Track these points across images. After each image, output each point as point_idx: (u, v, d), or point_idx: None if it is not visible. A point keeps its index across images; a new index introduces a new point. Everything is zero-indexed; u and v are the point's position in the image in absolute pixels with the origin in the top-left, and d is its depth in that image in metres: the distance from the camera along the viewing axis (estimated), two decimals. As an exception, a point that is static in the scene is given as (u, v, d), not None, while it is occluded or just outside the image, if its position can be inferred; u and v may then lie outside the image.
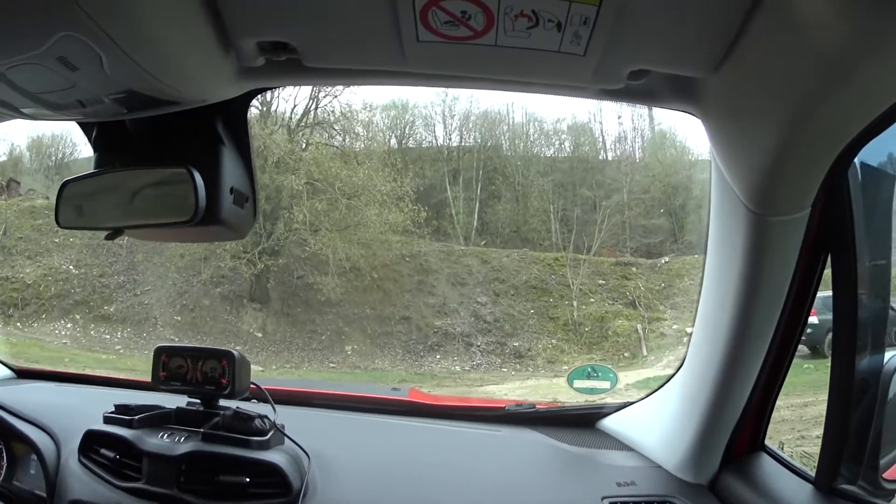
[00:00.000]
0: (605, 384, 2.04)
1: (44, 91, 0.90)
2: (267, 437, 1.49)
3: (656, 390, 1.73)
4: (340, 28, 0.91)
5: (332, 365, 13.57)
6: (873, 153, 1.07)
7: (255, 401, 1.81)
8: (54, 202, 1.18)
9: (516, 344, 14.31)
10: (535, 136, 18.75)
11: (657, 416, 1.66)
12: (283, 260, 14.82)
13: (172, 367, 1.63)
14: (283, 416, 1.65)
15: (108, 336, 13.32)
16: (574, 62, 0.96)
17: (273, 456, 1.46)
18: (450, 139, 17.93)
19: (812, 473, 1.27)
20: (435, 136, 18.13)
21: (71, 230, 1.59)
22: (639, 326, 14.28)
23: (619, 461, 1.64)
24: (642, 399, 1.80)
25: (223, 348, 1.62)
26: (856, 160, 1.05)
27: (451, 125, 18.10)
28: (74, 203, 1.19)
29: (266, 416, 1.55)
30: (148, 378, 1.80)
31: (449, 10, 0.84)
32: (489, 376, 13.19)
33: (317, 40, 0.94)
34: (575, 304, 14.77)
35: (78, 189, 1.19)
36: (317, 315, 14.64)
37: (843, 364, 1.11)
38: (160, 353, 1.66)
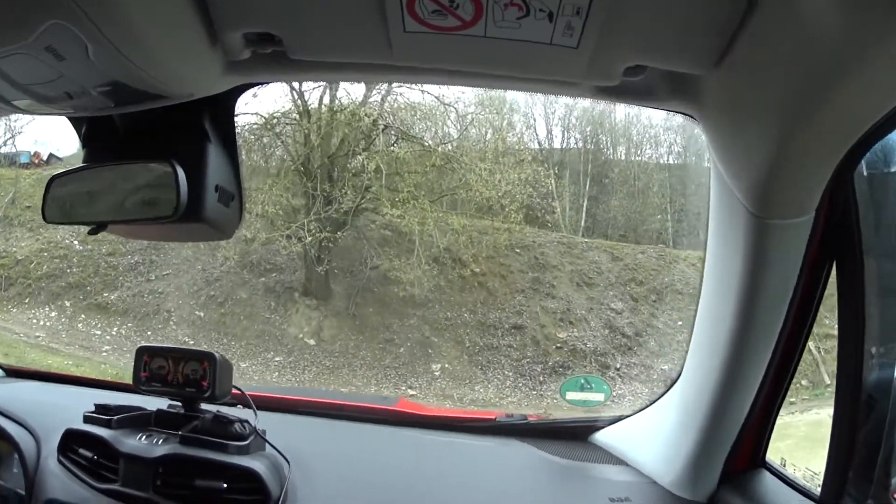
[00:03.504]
0: (599, 396, 1.78)
1: (33, 82, 0.86)
2: (246, 442, 1.36)
3: (652, 403, 1.56)
4: (326, 17, 0.82)
5: (410, 391, 9.91)
6: (880, 155, 1.04)
7: (239, 406, 1.64)
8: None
9: (665, 367, 10.75)
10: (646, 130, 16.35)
11: (653, 429, 1.50)
12: (348, 236, 11.12)
13: (154, 367, 1.48)
14: (266, 421, 1.51)
15: (98, 332, 10.21)
16: (567, 55, 0.85)
17: (252, 462, 1.33)
18: (551, 137, 15.82)
19: (817, 492, 1.19)
20: (536, 133, 15.77)
21: (57, 225, 1.43)
22: (811, 344, 9.70)
23: (613, 476, 1.51)
24: (637, 412, 1.62)
25: (205, 350, 1.45)
26: (862, 162, 0.97)
27: (552, 121, 15.83)
28: (61, 198, 1.12)
29: (247, 421, 1.40)
30: None
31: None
32: None
33: (303, 31, 0.85)
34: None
35: (65, 184, 1.11)
36: (394, 319, 10.89)
37: (849, 376, 1.02)
38: (142, 352, 1.50)
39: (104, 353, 9.57)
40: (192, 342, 10.07)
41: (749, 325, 1.08)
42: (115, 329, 10.18)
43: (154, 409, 1.51)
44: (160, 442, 1.37)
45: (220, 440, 1.34)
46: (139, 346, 1.51)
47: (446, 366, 10.15)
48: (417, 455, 1.61)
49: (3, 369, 2.06)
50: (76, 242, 11.39)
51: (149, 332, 10.17)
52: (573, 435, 1.66)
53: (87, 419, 1.45)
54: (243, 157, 11.18)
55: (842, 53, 0.71)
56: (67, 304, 10.47)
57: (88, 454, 1.41)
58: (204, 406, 1.47)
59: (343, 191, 10.07)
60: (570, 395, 2.02)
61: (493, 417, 1.73)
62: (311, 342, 10.42)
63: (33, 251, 11.38)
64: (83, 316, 10.26)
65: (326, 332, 10.52)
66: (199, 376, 1.42)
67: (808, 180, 0.93)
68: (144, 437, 1.40)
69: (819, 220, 0.99)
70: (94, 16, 0.68)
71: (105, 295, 10.67)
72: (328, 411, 1.79)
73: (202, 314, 10.59)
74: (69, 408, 1.58)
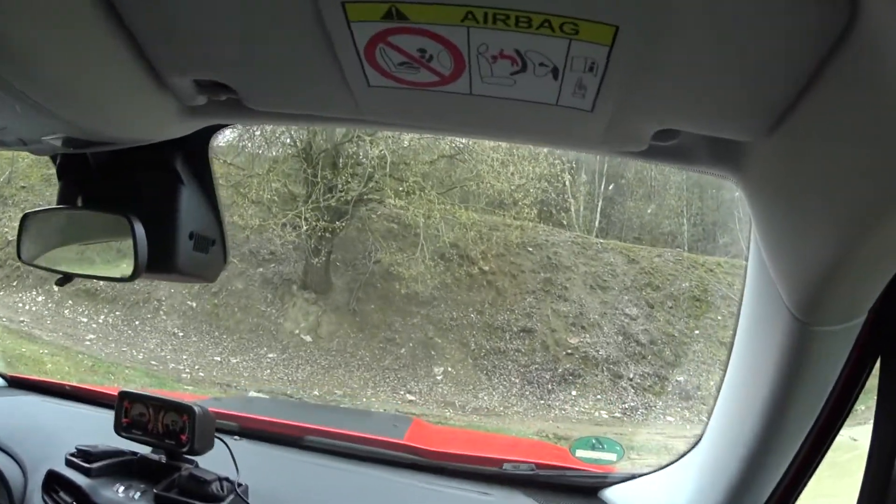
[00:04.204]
0: (611, 456, 1.59)
1: None
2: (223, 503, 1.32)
3: (669, 464, 1.46)
4: (277, 71, 0.70)
5: (409, 397, 9.09)
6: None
7: (236, 437, 1.63)
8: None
9: (681, 379, 10.07)
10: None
11: (667, 494, 1.40)
12: (352, 227, 10.36)
13: (134, 414, 1.43)
14: (255, 461, 1.52)
15: (84, 319, 9.43)
16: (579, 118, 0.68)
17: None
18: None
19: None
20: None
21: (32, 268, 1.09)
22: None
23: None
24: (652, 472, 1.52)
25: (186, 403, 1.38)
26: None
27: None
28: (33, 238, 1.05)
29: (226, 479, 1.35)
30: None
31: (401, 49, 0.59)
32: (647, 431, 8.94)
33: (254, 83, 0.74)
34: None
35: (38, 223, 1.06)
36: (397, 317, 10.10)
37: (878, 477, 0.88)
38: (122, 397, 1.45)
39: (87, 343, 8.88)
40: (181, 334, 9.48)
41: (777, 422, 0.95)
42: (103, 317, 9.47)
43: (137, 453, 1.45)
44: (136, 496, 1.33)
45: (194, 501, 1.29)
46: (121, 391, 1.45)
47: (449, 369, 9.38)
48: None
49: (6, 379, 1.99)
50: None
51: (136, 322, 9.52)
52: (582, 490, 1.58)
53: (68, 462, 1.40)
54: (247, 144, 10.62)
55: None
56: (56, 288, 9.60)
57: (68, 499, 1.37)
58: (187, 456, 1.40)
59: (345, 179, 9.32)
60: (581, 453, 1.69)
61: (501, 463, 1.61)
62: (308, 339, 9.70)
63: (25, 232, 10.57)
64: (70, 302, 9.53)
65: (324, 328, 9.79)
66: (178, 428, 1.37)
67: (868, 284, 0.75)
68: (122, 489, 1.35)
69: (869, 319, 0.82)
70: (11, 78, 0.62)
71: (94, 281, 9.74)
72: (328, 447, 1.68)
73: (194, 304, 9.85)
74: (63, 433, 1.56)
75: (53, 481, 1.42)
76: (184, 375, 8.61)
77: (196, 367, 8.92)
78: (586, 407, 9.12)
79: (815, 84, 0.56)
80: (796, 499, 1.10)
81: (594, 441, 1.65)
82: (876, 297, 0.79)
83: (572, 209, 13.03)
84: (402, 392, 8.90)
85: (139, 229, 0.88)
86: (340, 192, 9.32)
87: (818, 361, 0.88)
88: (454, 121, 0.78)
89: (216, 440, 1.42)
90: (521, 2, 0.51)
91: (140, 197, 0.93)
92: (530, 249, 11.10)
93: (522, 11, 0.51)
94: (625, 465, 1.66)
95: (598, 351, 9.84)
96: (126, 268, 0.91)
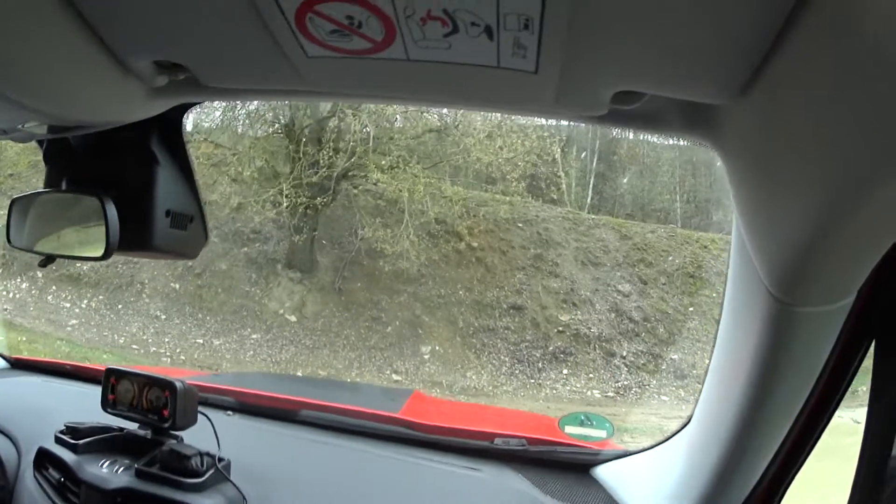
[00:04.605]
0: (601, 433, 1.55)
1: None
2: (202, 479, 1.30)
3: (660, 443, 1.42)
4: (221, 47, 0.69)
5: (395, 377, 8.76)
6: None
7: (228, 413, 1.68)
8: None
9: (675, 357, 9.68)
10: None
11: (657, 474, 1.36)
12: (338, 204, 10.00)
13: (121, 390, 1.45)
14: (244, 434, 1.58)
15: (67, 305, 9.08)
16: (524, 81, 0.63)
17: (202, 501, 1.27)
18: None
19: None
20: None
21: (21, 251, 1.11)
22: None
23: None
24: (643, 451, 1.47)
25: (168, 378, 1.38)
26: None
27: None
28: (21, 222, 1.07)
29: (207, 454, 1.33)
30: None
31: (330, 17, 0.57)
32: (642, 411, 8.57)
33: (204, 61, 0.73)
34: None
35: (25, 207, 1.06)
36: (384, 295, 9.70)
37: (874, 458, 0.82)
38: (109, 374, 1.47)
39: (69, 328, 8.56)
40: (164, 316, 9.07)
41: (761, 406, 0.90)
42: (86, 302, 9.07)
43: (125, 429, 1.46)
44: (119, 471, 1.34)
45: (174, 477, 1.28)
46: (108, 367, 1.47)
47: (437, 348, 9.05)
48: (402, 485, 1.49)
49: (9, 361, 2.04)
50: (58, 212, 10.40)
51: (119, 306, 9.11)
52: (573, 467, 1.54)
53: (57, 440, 1.43)
54: (234, 123, 10.24)
55: None
56: (39, 275, 9.36)
57: (56, 475, 1.40)
58: (172, 431, 1.40)
59: (329, 154, 8.94)
60: (569, 429, 1.63)
61: (492, 437, 1.58)
62: (293, 319, 9.33)
63: (11, 220, 10.24)
64: (54, 288, 9.11)
65: (309, 307, 9.43)
66: (161, 404, 1.38)
67: (854, 262, 0.66)
68: (106, 464, 1.36)
69: (860, 299, 0.76)
70: None
71: (78, 265, 9.36)
72: (322, 421, 1.69)
73: (177, 286, 9.43)
74: (58, 412, 1.58)
75: (43, 458, 1.44)
76: (164, 359, 8.31)
77: (178, 350, 8.60)
78: (578, 386, 8.82)
79: (788, 34, 0.50)
80: (789, 483, 1.06)
81: (583, 417, 1.61)
82: (864, 277, 0.72)
83: (563, 185, 12.64)
84: (387, 372, 8.58)
85: (111, 209, 0.90)
86: (323, 167, 8.94)
87: (802, 344, 0.81)
88: (399, 88, 0.75)
89: (201, 416, 1.42)
90: None
91: (118, 177, 0.94)
92: (520, 225, 10.77)
93: None
94: (619, 446, 1.59)
95: (590, 328, 9.54)
96: (93, 249, 0.93)
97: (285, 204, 8.92)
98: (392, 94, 0.82)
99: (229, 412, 1.68)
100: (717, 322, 1.03)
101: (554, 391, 8.66)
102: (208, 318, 9.21)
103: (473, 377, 8.71)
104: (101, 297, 9.14)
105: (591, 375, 9.01)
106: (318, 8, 0.55)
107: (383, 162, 9.02)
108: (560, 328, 9.46)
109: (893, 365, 0.79)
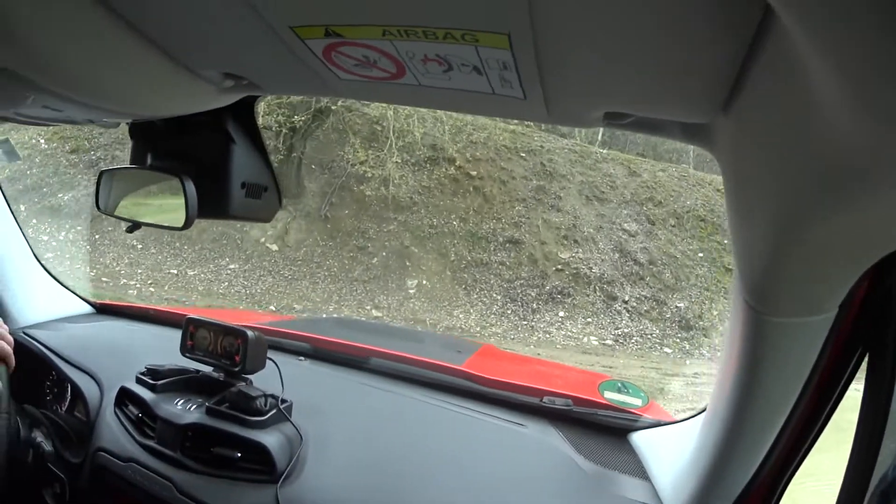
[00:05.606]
0: (636, 401, 1.59)
1: (53, 119, 0.93)
2: (264, 417, 1.42)
3: (690, 417, 1.43)
4: (272, 68, 0.79)
5: (375, 313, 7.98)
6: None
7: (301, 358, 1.81)
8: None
9: (681, 305, 8.93)
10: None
11: (679, 448, 1.34)
12: (329, 127, 9.20)
13: (198, 337, 1.57)
14: (322, 379, 1.70)
15: (45, 237, 8.54)
16: (518, 104, 0.70)
17: (264, 437, 1.37)
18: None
19: None
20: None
21: (108, 216, 1.22)
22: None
23: (628, 492, 1.37)
24: (675, 423, 1.49)
25: (240, 327, 1.49)
26: None
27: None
28: (108, 192, 1.20)
29: (272, 396, 1.45)
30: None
31: (350, 55, 0.66)
32: (641, 364, 7.76)
33: (260, 76, 0.83)
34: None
35: (111, 179, 1.19)
36: (372, 223, 8.94)
37: (860, 468, 0.81)
38: (188, 323, 1.59)
39: (43, 262, 7.66)
40: (140, 246, 8.50)
41: (745, 410, 0.91)
42: (64, 233, 8.45)
43: (200, 371, 1.59)
44: (192, 409, 1.45)
45: (240, 414, 1.39)
46: (188, 317, 1.57)
47: (424, 282, 8.28)
48: (451, 435, 1.52)
49: (95, 306, 2.13)
50: (42, 141, 9.81)
51: (97, 236, 8.53)
52: (613, 431, 1.55)
53: (138, 380, 1.55)
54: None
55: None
56: (22, 208, 8.76)
57: (135, 411, 1.51)
58: (243, 375, 1.51)
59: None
60: (608, 395, 1.59)
61: (541, 395, 1.61)
62: (274, 248, 8.63)
63: (-4, 152, 9.41)
64: (34, 221, 8.46)
65: (292, 235, 8.70)
66: (234, 350, 1.48)
67: (833, 277, 0.67)
68: (181, 402, 1.48)
69: (848, 313, 0.75)
70: (71, 94, 0.72)
71: (60, 196, 8.91)
72: (388, 369, 1.75)
73: (158, 216, 8.66)
74: (139, 354, 1.71)
75: (124, 396, 1.55)
76: (131, 292, 7.57)
77: (149, 281, 7.93)
78: (574, 331, 8.03)
79: (757, 53, 0.52)
80: (783, 489, 1.05)
81: (619, 385, 1.63)
82: (846, 292, 0.70)
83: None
84: (368, 307, 7.83)
85: (189, 187, 1.00)
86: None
87: (778, 352, 0.80)
88: (417, 101, 0.84)
89: (271, 361, 1.50)
90: (425, 18, 0.56)
91: (198, 155, 1.04)
92: (523, 155, 9.92)
93: (427, 27, 0.56)
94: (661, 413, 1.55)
95: (591, 268, 8.76)
96: (175, 220, 1.02)
97: (274, 127, 8.12)
98: (414, 104, 0.88)
99: (301, 358, 1.79)
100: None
101: (547, 335, 7.89)
102: (186, 247, 8.63)
103: (461, 316, 7.97)
104: (79, 227, 8.52)
105: (589, 320, 8.25)
106: (339, 49, 0.64)
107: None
108: (559, 266, 8.68)
109: (882, 376, 0.77)
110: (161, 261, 8.37)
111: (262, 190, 1.10)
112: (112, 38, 0.66)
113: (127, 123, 1.08)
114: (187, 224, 1.00)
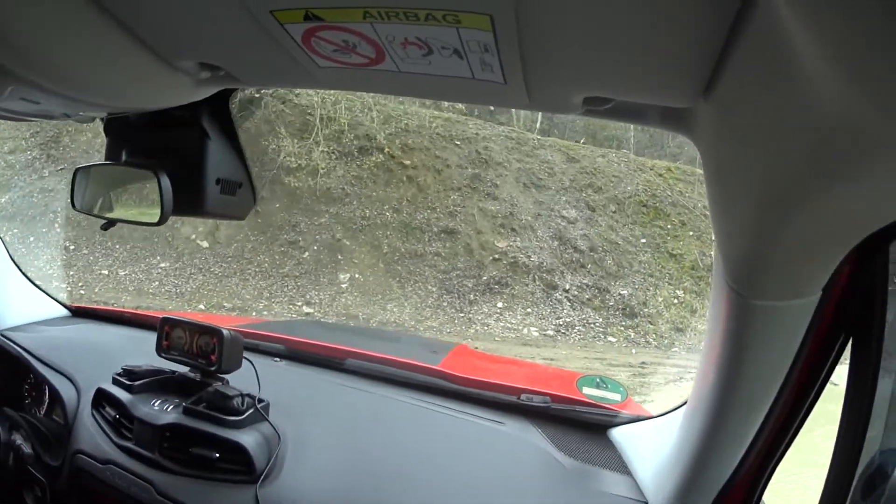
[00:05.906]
0: (616, 396, 1.59)
1: (28, 113, 0.90)
2: (242, 416, 1.41)
3: (669, 412, 1.43)
4: (249, 56, 0.78)
5: (307, 309, 7.77)
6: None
7: (276, 360, 1.80)
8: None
9: (625, 292, 8.85)
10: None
11: (659, 442, 1.35)
12: (259, 117, 8.80)
13: (174, 337, 1.56)
14: (297, 379, 1.69)
15: None
16: (498, 89, 0.70)
17: (241, 436, 1.37)
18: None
19: None
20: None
21: (83, 214, 1.21)
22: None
23: (611, 487, 1.37)
24: (655, 417, 1.50)
25: (216, 326, 1.48)
26: None
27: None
28: (83, 189, 1.18)
29: (249, 395, 1.44)
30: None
31: (329, 40, 0.66)
32: (585, 355, 7.52)
33: (237, 65, 0.82)
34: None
35: (86, 176, 1.18)
36: (303, 217, 8.68)
37: (847, 453, 0.84)
38: (164, 323, 1.58)
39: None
40: (73, 247, 8.18)
41: (729, 396, 0.90)
42: None
43: (176, 372, 1.58)
44: (169, 409, 1.44)
45: (217, 414, 1.39)
46: (164, 316, 1.56)
47: (357, 276, 8.07)
48: (430, 433, 1.52)
49: (70, 309, 2.13)
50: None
51: (31, 238, 8.18)
52: (592, 427, 1.55)
53: (114, 381, 1.55)
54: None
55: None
56: None
57: (112, 413, 1.50)
58: (219, 375, 1.51)
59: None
60: (587, 390, 1.60)
61: (519, 392, 1.61)
62: (205, 244, 8.36)
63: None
64: None
65: (223, 231, 8.40)
66: (210, 350, 1.47)
67: (814, 261, 0.68)
68: (158, 402, 1.47)
69: (831, 296, 0.76)
70: (42, 82, 0.71)
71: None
72: (364, 370, 1.75)
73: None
74: (115, 356, 1.69)
75: (101, 398, 1.55)
76: (61, 295, 7.25)
77: (80, 283, 7.64)
78: (513, 322, 7.90)
79: (737, 36, 0.52)
80: (770, 474, 1.04)
81: (598, 380, 1.63)
82: (828, 276, 0.72)
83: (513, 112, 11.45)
84: (299, 304, 7.63)
85: (164, 181, 0.99)
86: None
87: (760, 336, 0.81)
88: (396, 89, 0.83)
89: (247, 361, 1.49)
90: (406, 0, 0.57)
91: (173, 150, 1.02)
92: (458, 143, 9.73)
93: (409, 8, 0.56)
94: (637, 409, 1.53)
95: (529, 257, 8.63)
96: (149, 216, 1.01)
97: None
98: (392, 92, 0.88)
99: (277, 359, 1.79)
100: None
101: (486, 327, 7.75)
102: (117, 246, 8.31)
103: (395, 310, 7.78)
104: (15, 230, 8.15)
105: (528, 310, 8.12)
106: (319, 34, 0.64)
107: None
108: (496, 255, 8.54)
109: (867, 362, 0.79)
110: (93, 261, 8.07)
111: (236, 186, 1.09)
112: (87, 25, 0.66)
113: (102, 119, 1.07)
114: (163, 219, 0.99)
